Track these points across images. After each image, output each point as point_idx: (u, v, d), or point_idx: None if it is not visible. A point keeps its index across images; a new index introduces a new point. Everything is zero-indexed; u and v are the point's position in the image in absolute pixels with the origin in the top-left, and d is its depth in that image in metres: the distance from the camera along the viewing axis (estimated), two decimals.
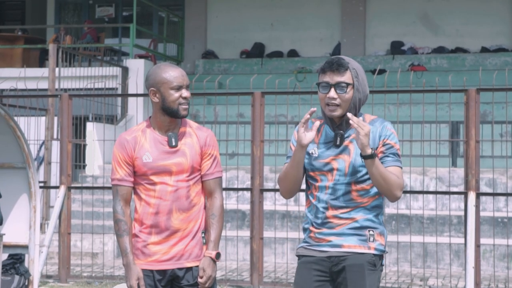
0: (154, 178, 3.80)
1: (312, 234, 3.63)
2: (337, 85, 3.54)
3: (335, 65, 3.54)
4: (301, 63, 16.32)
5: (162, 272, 3.83)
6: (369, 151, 3.42)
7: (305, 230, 3.69)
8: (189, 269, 3.84)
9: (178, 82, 3.78)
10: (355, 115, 3.58)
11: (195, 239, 3.85)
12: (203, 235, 3.88)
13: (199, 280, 3.81)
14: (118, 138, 3.91)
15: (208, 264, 3.81)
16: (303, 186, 3.71)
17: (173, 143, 3.82)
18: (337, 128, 3.60)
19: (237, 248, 9.30)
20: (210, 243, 3.84)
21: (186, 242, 3.83)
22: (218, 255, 3.83)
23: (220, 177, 3.93)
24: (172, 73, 3.79)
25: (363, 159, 3.47)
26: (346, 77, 3.55)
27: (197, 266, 3.84)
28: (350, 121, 3.42)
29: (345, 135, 3.58)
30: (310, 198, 3.65)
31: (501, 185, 10.58)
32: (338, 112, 3.56)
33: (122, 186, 3.84)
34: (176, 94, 3.78)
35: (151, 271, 3.83)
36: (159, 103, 3.81)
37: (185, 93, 3.79)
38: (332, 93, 3.54)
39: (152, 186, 3.81)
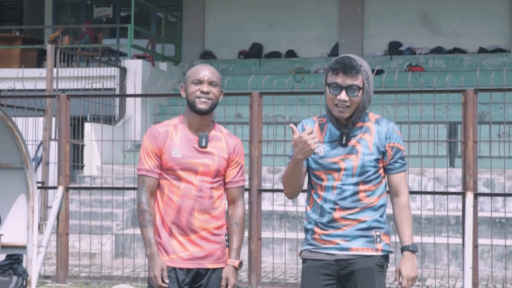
0: (181, 174, 3.82)
1: (317, 236, 3.59)
2: (348, 88, 3.51)
3: (348, 68, 3.52)
4: (299, 63, 16.31)
5: (185, 271, 3.83)
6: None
7: (307, 230, 3.65)
8: (211, 270, 3.86)
9: (198, 77, 3.85)
10: (361, 116, 3.59)
11: (218, 241, 3.87)
12: (226, 238, 3.90)
13: None
14: (149, 129, 3.95)
15: (231, 273, 3.85)
16: (305, 186, 3.68)
17: (203, 144, 3.86)
18: (342, 128, 3.57)
19: None
20: (232, 251, 3.87)
21: (208, 243, 3.84)
22: (240, 264, 3.89)
23: (243, 186, 3.97)
24: (198, 70, 3.89)
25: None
26: (359, 80, 3.54)
27: (219, 269, 3.86)
28: None
29: (351, 135, 3.57)
30: (315, 197, 3.61)
31: (499, 185, 10.58)
32: (347, 114, 3.54)
33: (149, 177, 3.85)
34: (195, 87, 3.84)
35: (174, 269, 3.82)
36: (186, 98, 3.90)
37: (204, 87, 3.83)
38: (343, 95, 3.51)
39: (177, 183, 3.82)
